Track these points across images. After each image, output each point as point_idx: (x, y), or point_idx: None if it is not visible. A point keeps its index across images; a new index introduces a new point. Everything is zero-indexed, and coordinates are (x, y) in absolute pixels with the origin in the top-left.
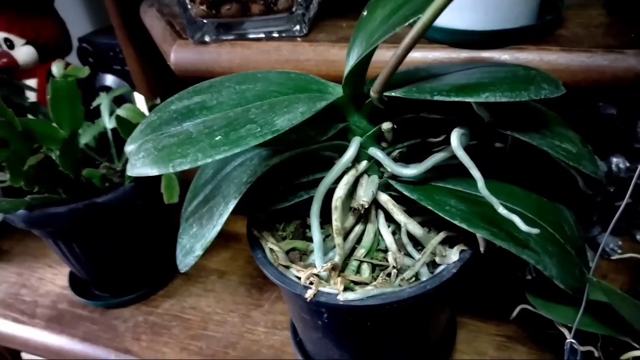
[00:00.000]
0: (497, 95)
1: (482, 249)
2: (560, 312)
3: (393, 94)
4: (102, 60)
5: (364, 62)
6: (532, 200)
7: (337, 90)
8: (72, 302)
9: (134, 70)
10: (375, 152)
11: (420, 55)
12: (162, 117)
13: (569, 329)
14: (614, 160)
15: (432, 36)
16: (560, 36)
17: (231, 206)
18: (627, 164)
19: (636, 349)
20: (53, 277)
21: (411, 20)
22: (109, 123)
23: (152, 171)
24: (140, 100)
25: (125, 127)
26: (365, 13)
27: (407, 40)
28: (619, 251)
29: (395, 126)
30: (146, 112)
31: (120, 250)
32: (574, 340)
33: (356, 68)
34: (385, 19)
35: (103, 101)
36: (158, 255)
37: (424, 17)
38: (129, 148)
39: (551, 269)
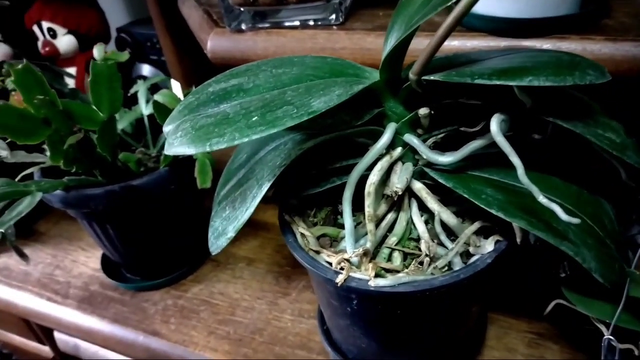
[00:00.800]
0: (541, 80)
1: (518, 240)
2: (598, 308)
3: (432, 77)
4: (139, 50)
5: (403, 45)
6: (572, 192)
7: (374, 75)
8: (104, 284)
9: (170, 60)
10: (410, 138)
11: (458, 44)
12: (199, 98)
13: (607, 326)
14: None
15: (470, 23)
16: (606, 26)
17: (265, 189)
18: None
19: None
20: (86, 260)
21: (449, 3)
22: (145, 110)
23: (190, 150)
24: (176, 87)
25: (162, 112)
26: None
27: (449, 20)
28: None
29: (432, 112)
30: (181, 97)
31: (153, 233)
32: (612, 337)
33: (394, 51)
34: (425, 2)
35: (140, 88)
36: (189, 241)
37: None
38: (167, 128)
39: (590, 261)
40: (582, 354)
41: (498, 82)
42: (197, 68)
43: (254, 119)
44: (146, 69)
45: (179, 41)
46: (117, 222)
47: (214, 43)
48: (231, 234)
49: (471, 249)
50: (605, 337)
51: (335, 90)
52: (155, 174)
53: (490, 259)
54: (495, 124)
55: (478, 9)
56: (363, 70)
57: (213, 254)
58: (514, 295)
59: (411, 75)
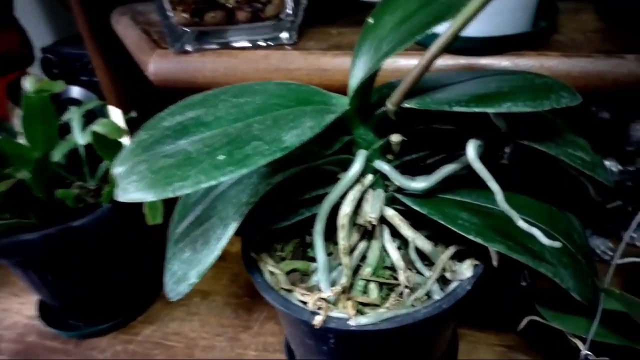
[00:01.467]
0: (519, 105)
1: (495, 263)
2: (573, 323)
3: (407, 105)
4: (68, 71)
5: (374, 74)
6: (544, 210)
7: (342, 102)
8: (43, 334)
9: (104, 81)
10: (381, 165)
11: (415, 63)
12: (154, 135)
13: (583, 340)
14: (607, 163)
15: (428, 43)
16: (558, 42)
17: (231, 230)
18: (620, 167)
19: None
20: (20, 307)
21: (432, 28)
22: (80, 139)
23: (149, 196)
24: (116, 114)
25: (102, 144)
26: (371, 20)
27: (433, 49)
28: (610, 253)
29: (405, 138)
30: (123, 127)
31: (97, 275)
32: (589, 353)
33: (365, 81)
34: (397, 26)
35: (73, 116)
36: (137, 279)
37: (456, 23)
38: (117, 170)
39: (568, 280)
40: None
41: (477, 110)
42: (135, 89)
43: (220, 158)
44: (77, 91)
45: (112, 61)
46: (57, 267)
47: (157, 65)
48: (194, 279)
49: (447, 275)
50: (582, 352)
51: (306, 121)
52: (98, 212)
53: (470, 285)
54: (472, 150)
55: (436, 28)
56: (330, 97)
57: (172, 300)
58: (478, 308)
59: (389, 106)
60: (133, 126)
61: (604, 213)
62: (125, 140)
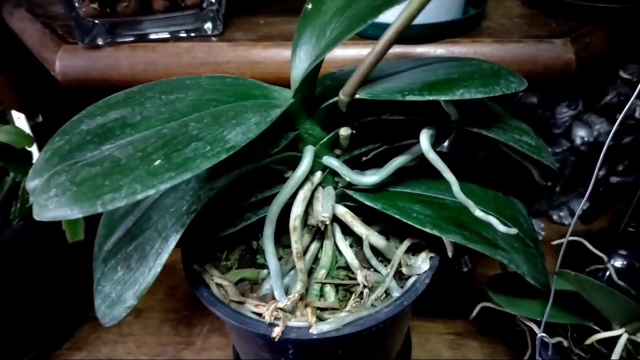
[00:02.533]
0: (472, 92)
1: (450, 254)
2: (526, 307)
3: (359, 96)
4: None
5: (319, 64)
6: (490, 197)
7: (285, 95)
8: None
9: (1, 83)
10: (330, 161)
11: (354, 52)
12: (71, 140)
13: (537, 323)
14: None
15: (364, 32)
16: (488, 28)
17: (172, 243)
18: (549, 150)
19: (598, 332)
20: None
21: (384, 12)
22: None
23: (74, 213)
24: (20, 120)
25: (7, 155)
26: (309, 6)
27: (388, 35)
28: (543, 233)
29: (354, 131)
30: (28, 132)
31: (12, 302)
32: (545, 335)
33: (311, 72)
34: (339, 11)
35: None
36: (59, 301)
37: (412, 6)
38: (32, 184)
39: (522, 266)
40: (501, 345)
41: (430, 98)
42: (39, 90)
43: (156, 163)
44: None
45: (8, 60)
46: None
47: (64, 63)
48: (131, 301)
49: (404, 269)
50: (538, 335)
51: (249, 117)
52: (7, 233)
53: (429, 279)
54: (425, 139)
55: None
56: (271, 90)
57: (106, 325)
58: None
59: (342, 97)
60: (40, 133)
61: (537, 194)
62: (34, 149)
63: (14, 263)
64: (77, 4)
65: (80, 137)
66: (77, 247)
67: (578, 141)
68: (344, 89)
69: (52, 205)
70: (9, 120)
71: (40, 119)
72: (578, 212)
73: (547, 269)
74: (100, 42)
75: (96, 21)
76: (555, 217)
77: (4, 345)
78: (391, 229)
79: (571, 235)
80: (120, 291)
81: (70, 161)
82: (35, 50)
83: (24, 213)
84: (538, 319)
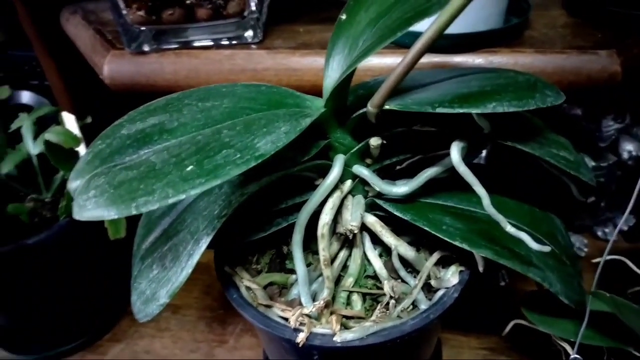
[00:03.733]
0: (505, 105)
1: (481, 269)
2: (560, 327)
3: (389, 107)
4: (15, 75)
5: (351, 74)
6: (525, 211)
7: (317, 104)
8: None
9: (55, 85)
10: (361, 170)
11: (390, 61)
12: (112, 144)
13: (571, 344)
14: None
15: (400, 41)
16: (531, 37)
17: (203, 245)
18: (593, 163)
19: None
20: None
21: (414, 24)
22: (33, 148)
23: (110, 214)
24: (70, 121)
25: (57, 154)
26: (344, 17)
27: (418, 46)
28: (585, 249)
29: (384, 141)
30: (78, 134)
31: (58, 294)
32: (578, 356)
33: (342, 81)
34: (373, 22)
35: (24, 123)
36: (101, 294)
37: (442, 18)
38: (73, 184)
39: (556, 284)
40: None
41: (461, 110)
42: (90, 92)
43: (188, 168)
44: (26, 96)
45: (64, 63)
46: (13, 287)
47: (112, 67)
48: (164, 299)
49: (433, 282)
50: (572, 355)
51: (280, 126)
52: (55, 227)
53: (457, 293)
54: (456, 153)
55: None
56: (303, 99)
57: (141, 321)
58: (460, 310)
59: (370, 108)
60: (88, 133)
61: (577, 210)
62: (82, 149)
63: (60, 257)
64: (125, 12)
65: (121, 141)
66: (119, 243)
67: (625, 155)
68: (372, 100)
69: (90, 205)
70: (59, 121)
71: (89, 120)
72: (619, 227)
73: (583, 288)
74: (146, 48)
75: (143, 28)
76: (599, 233)
77: (50, 334)
78: (421, 239)
79: (613, 253)
80: (154, 289)
81: (109, 164)
82: (86, 54)
83: (70, 210)
84: (572, 340)
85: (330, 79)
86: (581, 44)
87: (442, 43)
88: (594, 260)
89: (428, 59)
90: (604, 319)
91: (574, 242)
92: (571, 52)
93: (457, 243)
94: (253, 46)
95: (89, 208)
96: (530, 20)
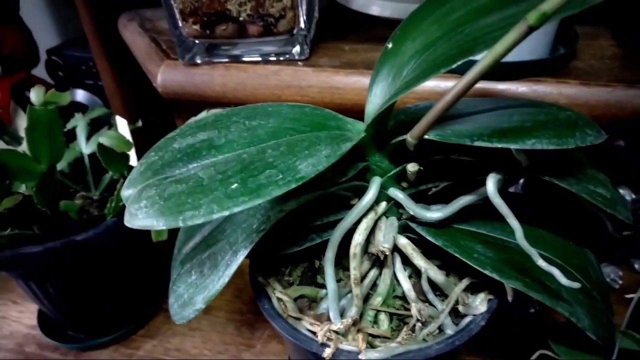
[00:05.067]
0: (544, 143)
1: (510, 299)
2: None
3: (427, 137)
4: (73, 74)
5: (394, 103)
6: (559, 244)
7: (358, 128)
8: (42, 345)
9: (109, 86)
10: (396, 193)
11: (432, 85)
12: (164, 157)
13: None
14: (621, 192)
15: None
16: (576, 68)
17: (241, 257)
18: (634, 196)
19: None
20: (19, 316)
21: (458, 62)
22: (85, 148)
23: (158, 224)
24: (122, 125)
25: (108, 156)
26: (390, 45)
27: (462, 84)
28: (620, 282)
29: (421, 168)
30: (128, 137)
31: (100, 288)
32: None
33: (385, 110)
34: (417, 54)
35: (79, 123)
36: (138, 292)
37: (486, 61)
38: (126, 193)
39: (584, 320)
40: None
41: (499, 145)
42: (141, 95)
43: (233, 186)
44: (81, 95)
45: (118, 66)
46: (59, 280)
47: (165, 77)
48: (200, 305)
49: (461, 308)
50: None
51: (321, 149)
52: (102, 226)
53: (484, 321)
54: (492, 185)
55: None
56: (345, 123)
57: (177, 323)
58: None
59: (410, 139)
60: (138, 136)
61: (614, 241)
62: (132, 153)
63: (105, 255)
64: (181, 24)
65: (172, 154)
66: (159, 245)
67: None
68: (412, 131)
69: (141, 215)
70: (112, 123)
71: (140, 123)
72: None
73: (613, 324)
74: (198, 60)
75: (197, 41)
76: (637, 265)
77: (89, 326)
78: (451, 264)
79: None
80: (191, 294)
81: (161, 176)
82: (141, 61)
83: (117, 210)
84: None
85: (373, 105)
86: (629, 78)
87: None
88: (628, 296)
89: None
90: (633, 358)
91: (609, 273)
92: (617, 85)
93: (487, 272)
94: (299, 63)
95: (140, 217)
96: (578, 50)
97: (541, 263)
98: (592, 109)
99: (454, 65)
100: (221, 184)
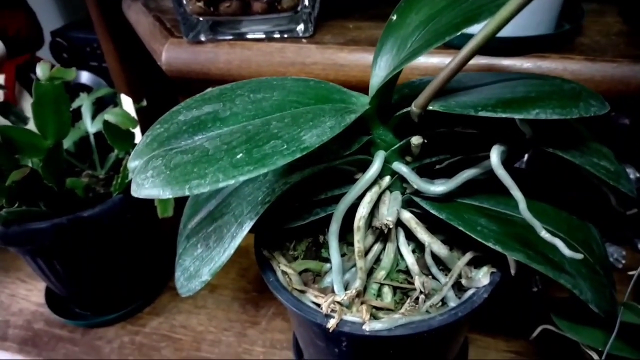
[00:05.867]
0: (548, 112)
1: (513, 272)
2: (588, 335)
3: (431, 107)
4: (77, 56)
5: (398, 74)
6: (562, 218)
7: (362, 101)
8: (50, 322)
9: (114, 67)
10: (400, 167)
11: (437, 61)
12: (169, 129)
13: (598, 353)
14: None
15: (450, 41)
16: (582, 44)
17: (246, 228)
18: (638, 175)
19: None
20: (27, 294)
21: (462, 30)
22: (91, 127)
23: (165, 193)
24: (127, 103)
25: (114, 134)
26: (394, 17)
27: (464, 52)
28: (623, 261)
29: (425, 140)
30: (134, 116)
31: (106, 266)
32: None
33: (390, 81)
34: (422, 24)
35: (84, 103)
36: (144, 269)
37: (490, 26)
38: (133, 164)
39: (586, 292)
40: None
41: (504, 115)
42: (145, 75)
43: (238, 156)
44: (85, 77)
45: (123, 47)
46: (66, 256)
47: (170, 54)
48: (206, 277)
49: (463, 281)
50: None
51: (326, 121)
52: (108, 203)
53: (487, 293)
54: (495, 156)
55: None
56: (349, 96)
57: (183, 295)
58: (490, 312)
59: (414, 109)
60: (142, 115)
61: (619, 221)
62: (137, 131)
63: (111, 231)
64: (185, 2)
65: (177, 126)
66: (165, 222)
67: None
68: (416, 100)
69: (147, 184)
70: (117, 102)
71: (144, 102)
72: None
73: (615, 298)
74: (202, 38)
75: (200, 19)
76: None
77: (96, 303)
78: (455, 238)
79: None
80: (197, 266)
81: (166, 147)
82: (145, 41)
83: (123, 187)
84: (600, 349)
85: (377, 78)
86: (634, 53)
87: (491, 45)
88: (631, 273)
89: (475, 60)
90: (635, 331)
91: (613, 253)
92: (622, 61)
93: (490, 244)
94: (303, 40)
95: (146, 187)
96: (584, 26)
97: (544, 234)
98: (597, 84)
99: (459, 33)
100: (226, 154)
